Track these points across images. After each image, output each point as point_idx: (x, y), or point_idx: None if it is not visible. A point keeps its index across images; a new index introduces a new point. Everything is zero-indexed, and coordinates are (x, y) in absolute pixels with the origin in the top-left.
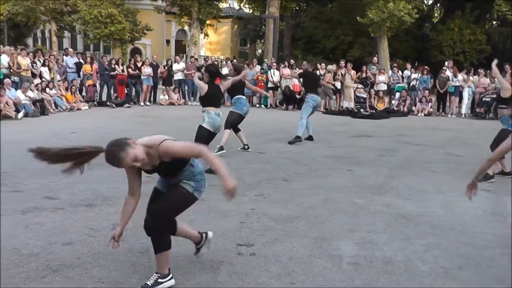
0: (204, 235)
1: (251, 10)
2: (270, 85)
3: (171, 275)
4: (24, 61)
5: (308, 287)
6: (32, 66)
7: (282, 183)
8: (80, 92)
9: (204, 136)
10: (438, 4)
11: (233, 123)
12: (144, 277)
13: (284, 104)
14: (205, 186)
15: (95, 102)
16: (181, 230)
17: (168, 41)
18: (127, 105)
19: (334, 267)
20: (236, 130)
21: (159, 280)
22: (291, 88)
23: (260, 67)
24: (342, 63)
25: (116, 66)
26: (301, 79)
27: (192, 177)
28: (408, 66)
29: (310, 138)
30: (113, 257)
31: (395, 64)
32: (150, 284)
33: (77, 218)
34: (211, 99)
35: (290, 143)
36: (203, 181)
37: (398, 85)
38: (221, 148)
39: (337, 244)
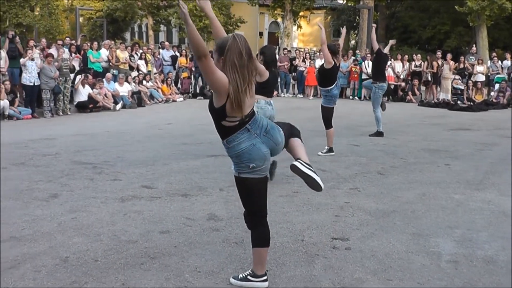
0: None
1: (345, 1)
2: (364, 76)
3: (264, 278)
4: (122, 54)
5: (406, 286)
6: (130, 59)
7: (377, 177)
8: (176, 84)
9: None
10: None
11: (329, 119)
12: (240, 268)
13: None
14: (250, 167)
15: (190, 94)
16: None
17: (261, 34)
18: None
19: (433, 265)
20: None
21: (249, 277)
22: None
23: (354, 58)
24: (439, 53)
25: None
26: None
27: (233, 157)
28: (508, 56)
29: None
30: (210, 247)
31: (494, 54)
32: (240, 277)
33: (173, 207)
34: (265, 86)
35: (371, 135)
36: (244, 163)
37: (498, 76)
38: (331, 150)
39: (436, 241)
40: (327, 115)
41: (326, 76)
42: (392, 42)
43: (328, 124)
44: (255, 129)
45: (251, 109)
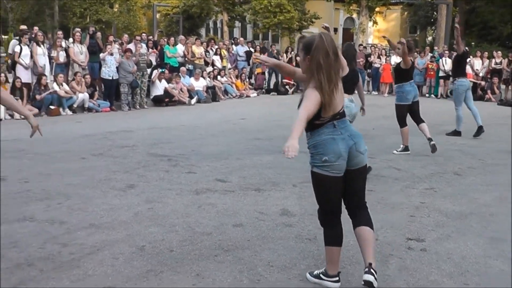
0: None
1: None
2: (441, 74)
3: (336, 278)
4: (198, 50)
5: None
6: (205, 54)
7: (454, 177)
8: (250, 79)
9: None
10: None
11: (403, 117)
12: (313, 264)
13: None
14: (322, 160)
15: (263, 90)
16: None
17: (336, 29)
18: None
19: None
20: (418, 122)
21: (322, 276)
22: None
23: (431, 55)
24: None
25: (284, 54)
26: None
27: (310, 148)
28: None
29: (480, 129)
30: (282, 242)
31: None
32: (314, 273)
33: (246, 201)
34: (345, 81)
35: (448, 134)
36: (318, 155)
37: None
38: (406, 148)
39: None
40: (400, 113)
41: (402, 74)
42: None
43: (402, 122)
44: (341, 127)
45: (342, 108)
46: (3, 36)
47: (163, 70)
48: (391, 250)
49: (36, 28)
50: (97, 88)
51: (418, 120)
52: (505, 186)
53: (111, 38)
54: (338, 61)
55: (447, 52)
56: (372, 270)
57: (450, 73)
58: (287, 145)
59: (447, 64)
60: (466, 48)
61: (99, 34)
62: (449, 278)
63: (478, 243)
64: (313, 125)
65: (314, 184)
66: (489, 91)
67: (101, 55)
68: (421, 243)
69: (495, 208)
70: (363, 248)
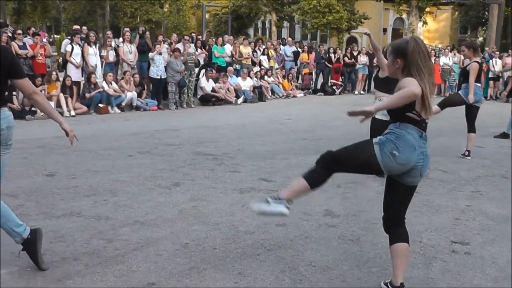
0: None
1: None
2: (491, 75)
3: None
4: (246, 50)
5: None
6: (253, 54)
7: (501, 180)
8: (297, 79)
9: (380, 130)
10: None
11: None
12: (355, 265)
13: (505, 96)
14: (392, 152)
15: (310, 90)
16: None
17: (385, 30)
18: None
19: None
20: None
21: (269, 199)
22: None
23: (481, 55)
24: None
25: (332, 55)
26: None
27: (391, 135)
28: None
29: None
30: (325, 242)
31: None
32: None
33: None
34: (387, 82)
35: (496, 137)
36: (394, 144)
37: None
38: (468, 154)
39: None
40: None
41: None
42: None
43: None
44: (424, 141)
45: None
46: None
47: (210, 69)
48: (435, 253)
49: (84, 28)
50: (145, 87)
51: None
52: None
53: (160, 37)
54: (433, 65)
55: (497, 53)
56: None
57: (500, 75)
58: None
59: (497, 65)
60: None
61: (148, 33)
62: (494, 282)
63: None
64: (407, 118)
65: (360, 150)
66: None
67: (150, 54)
68: (466, 247)
69: None
70: (399, 264)
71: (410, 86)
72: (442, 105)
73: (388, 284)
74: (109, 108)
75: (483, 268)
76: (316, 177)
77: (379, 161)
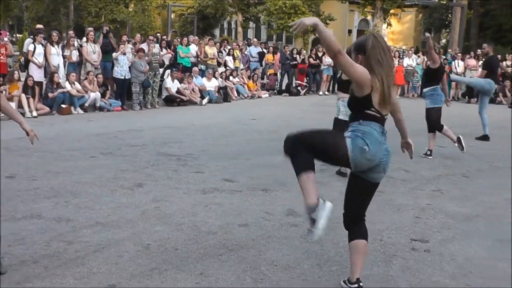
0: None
1: None
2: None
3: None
4: (211, 50)
5: None
6: (218, 55)
7: (462, 180)
8: (262, 80)
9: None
10: None
11: (438, 121)
12: (316, 264)
13: (466, 97)
14: (363, 147)
15: (275, 91)
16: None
17: (350, 31)
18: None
19: None
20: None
21: (311, 215)
22: None
23: (444, 57)
24: None
25: (297, 56)
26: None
27: (357, 131)
28: None
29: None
30: (287, 242)
31: None
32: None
33: (253, 201)
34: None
35: (478, 139)
36: (363, 139)
37: None
38: (430, 153)
39: None
40: (434, 117)
41: (433, 75)
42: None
43: (438, 126)
44: (385, 137)
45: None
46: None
47: (175, 69)
48: (395, 250)
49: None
50: (109, 88)
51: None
52: None
53: (124, 37)
54: (393, 60)
55: (460, 54)
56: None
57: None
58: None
59: (459, 66)
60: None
61: (111, 34)
62: (452, 279)
63: (483, 245)
64: (366, 114)
65: (332, 142)
66: (500, 94)
67: (114, 54)
68: (425, 244)
69: (501, 210)
70: (357, 261)
71: (357, 67)
72: (436, 128)
73: (346, 281)
74: (72, 108)
75: (442, 265)
76: (303, 161)
77: (349, 154)
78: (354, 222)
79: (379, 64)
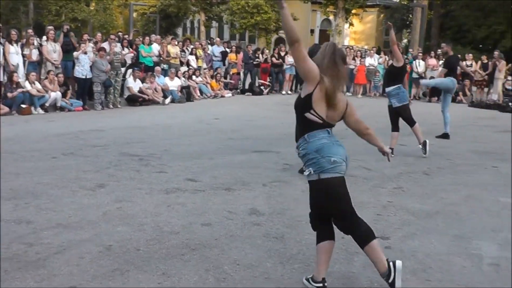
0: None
1: None
2: (414, 75)
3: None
4: (173, 49)
5: (445, 286)
6: (181, 54)
7: (423, 177)
8: (225, 79)
9: None
10: None
11: (410, 117)
12: (278, 262)
13: (427, 96)
14: (332, 161)
15: (238, 90)
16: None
17: (312, 31)
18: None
19: (474, 267)
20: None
21: (310, 281)
22: None
23: (405, 57)
24: (496, 53)
25: (260, 55)
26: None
27: (310, 154)
28: None
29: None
30: (250, 241)
31: None
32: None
33: (216, 200)
34: None
35: (438, 137)
36: (324, 158)
37: None
38: (391, 151)
39: (478, 243)
40: (406, 113)
41: (397, 74)
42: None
43: (411, 121)
44: (334, 136)
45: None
46: None
47: (137, 68)
48: (356, 248)
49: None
50: (70, 87)
51: (397, 124)
52: (473, 186)
53: (85, 36)
54: (345, 67)
55: (421, 54)
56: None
57: (423, 75)
58: None
59: (420, 66)
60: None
61: (72, 32)
62: (412, 274)
63: (442, 241)
64: (308, 122)
65: (326, 194)
66: (460, 93)
67: (75, 53)
68: (386, 241)
69: (461, 207)
70: (325, 262)
71: (309, 61)
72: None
73: (310, 279)
74: (32, 108)
75: (403, 261)
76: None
77: (339, 177)
78: (322, 222)
79: (329, 67)
